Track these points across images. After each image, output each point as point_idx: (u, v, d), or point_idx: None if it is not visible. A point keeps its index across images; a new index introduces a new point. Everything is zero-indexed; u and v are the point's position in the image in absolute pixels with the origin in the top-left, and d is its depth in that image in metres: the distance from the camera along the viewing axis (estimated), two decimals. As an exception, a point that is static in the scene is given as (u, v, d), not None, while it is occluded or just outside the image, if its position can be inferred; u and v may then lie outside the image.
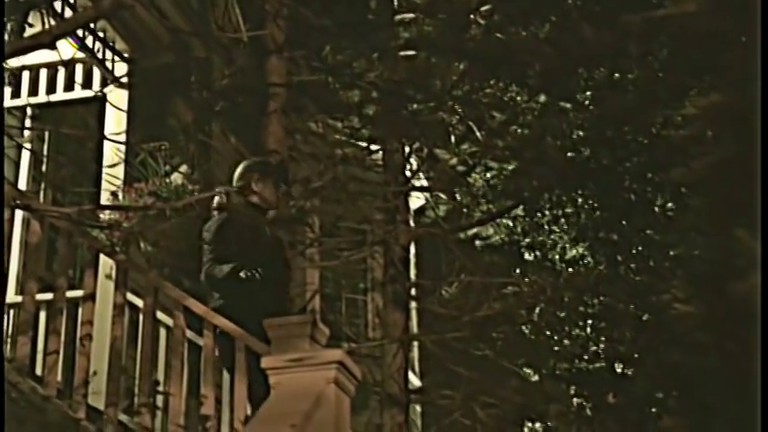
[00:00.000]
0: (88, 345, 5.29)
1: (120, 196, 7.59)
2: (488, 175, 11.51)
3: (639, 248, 10.67)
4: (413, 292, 10.64)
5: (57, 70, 7.98)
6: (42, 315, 6.56)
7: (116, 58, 7.92)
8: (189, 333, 5.50)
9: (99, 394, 5.29)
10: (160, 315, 5.72)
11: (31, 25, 5.55)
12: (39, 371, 5.90)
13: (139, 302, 5.69)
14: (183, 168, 7.71)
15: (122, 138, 7.62)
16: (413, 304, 10.62)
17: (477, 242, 12.27)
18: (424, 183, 12.10)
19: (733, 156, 2.88)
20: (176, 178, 7.51)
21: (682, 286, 3.50)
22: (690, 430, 3.63)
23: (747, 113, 2.94)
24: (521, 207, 11.02)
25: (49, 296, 5.85)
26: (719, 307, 2.92)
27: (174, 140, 8.01)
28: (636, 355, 10.28)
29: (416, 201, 12.38)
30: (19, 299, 5.90)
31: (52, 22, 5.28)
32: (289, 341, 5.07)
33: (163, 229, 7.17)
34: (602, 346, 10.33)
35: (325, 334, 5.25)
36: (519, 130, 10.37)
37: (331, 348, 4.04)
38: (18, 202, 5.23)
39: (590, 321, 10.43)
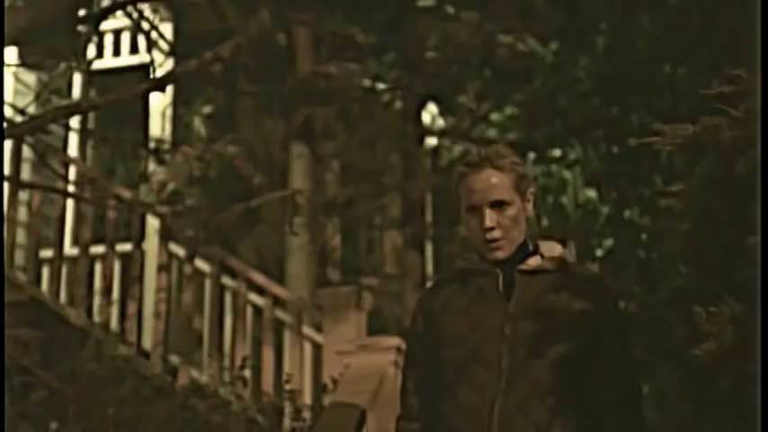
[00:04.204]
0: (164, 309, 6.44)
1: (168, 159, 8.67)
2: (499, 117, 12.54)
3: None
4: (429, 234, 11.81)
5: (103, 37, 8.95)
6: (97, 268, 7.61)
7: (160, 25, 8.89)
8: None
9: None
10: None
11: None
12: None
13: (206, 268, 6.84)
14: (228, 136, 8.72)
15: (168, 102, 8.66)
16: (429, 245, 11.78)
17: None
18: (441, 123, 13.14)
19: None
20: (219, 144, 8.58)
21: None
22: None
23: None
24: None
25: (101, 250, 6.91)
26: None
27: (215, 103, 9.03)
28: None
29: (432, 140, 13.42)
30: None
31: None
32: (337, 309, 6.24)
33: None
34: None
35: (369, 302, 6.41)
36: (535, 81, 11.38)
37: (388, 336, 5.18)
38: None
39: (596, 265, 11.56)
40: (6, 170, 6.97)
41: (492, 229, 2.75)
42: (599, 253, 11.55)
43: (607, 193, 11.94)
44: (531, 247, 2.84)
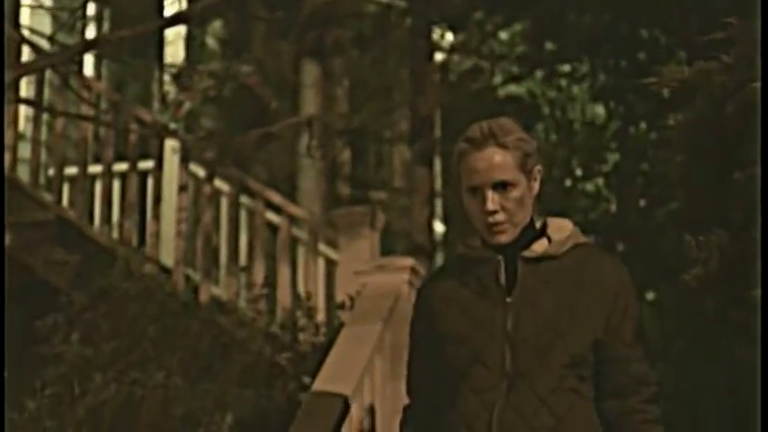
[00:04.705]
0: (185, 229, 6.81)
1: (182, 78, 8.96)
2: (509, 33, 12.76)
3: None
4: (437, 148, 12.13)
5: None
6: (116, 185, 7.91)
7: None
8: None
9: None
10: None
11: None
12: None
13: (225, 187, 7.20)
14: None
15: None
16: (437, 161, 12.12)
17: (500, 93, 13.53)
18: (450, 37, 13.37)
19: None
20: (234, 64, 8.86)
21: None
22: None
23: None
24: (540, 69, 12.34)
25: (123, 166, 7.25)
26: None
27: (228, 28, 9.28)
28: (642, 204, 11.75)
29: (440, 55, 13.66)
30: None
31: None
32: (352, 228, 6.61)
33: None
34: (613, 201, 11.84)
35: (383, 220, 6.77)
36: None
37: (403, 257, 5.54)
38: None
39: (601, 179, 11.93)
40: (29, 93, 7.29)
41: (494, 212, 2.55)
42: (605, 168, 11.91)
43: (614, 109, 12.24)
44: (537, 227, 2.65)
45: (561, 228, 2.65)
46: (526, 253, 2.61)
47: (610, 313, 2.55)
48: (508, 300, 2.56)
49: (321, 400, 4.11)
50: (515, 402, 2.49)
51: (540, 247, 2.61)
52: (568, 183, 11.87)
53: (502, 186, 2.55)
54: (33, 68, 5.36)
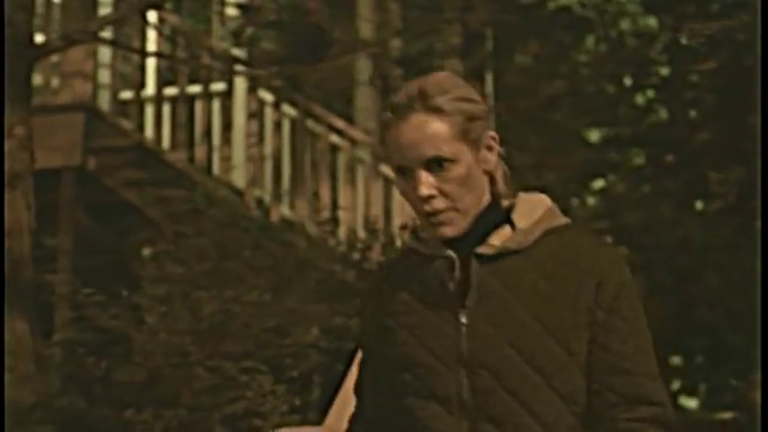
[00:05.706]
0: (256, 151, 7.53)
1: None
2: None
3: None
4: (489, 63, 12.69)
5: None
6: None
7: None
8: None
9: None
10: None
11: None
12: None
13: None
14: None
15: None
16: (489, 76, 12.68)
17: (551, 6, 13.99)
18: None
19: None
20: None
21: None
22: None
23: None
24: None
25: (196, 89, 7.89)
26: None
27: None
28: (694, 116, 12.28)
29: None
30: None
31: None
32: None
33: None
34: (664, 113, 12.38)
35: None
36: None
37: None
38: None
39: (651, 91, 12.45)
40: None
41: (431, 197, 1.97)
42: (655, 80, 12.40)
43: (665, 20, 12.70)
44: (501, 209, 2.05)
45: (532, 208, 2.05)
46: (481, 248, 2.00)
47: (592, 312, 1.94)
48: (461, 312, 1.98)
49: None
50: None
51: (498, 238, 2.01)
52: (618, 95, 12.41)
53: (437, 164, 1.97)
54: (112, 20, 5.99)
